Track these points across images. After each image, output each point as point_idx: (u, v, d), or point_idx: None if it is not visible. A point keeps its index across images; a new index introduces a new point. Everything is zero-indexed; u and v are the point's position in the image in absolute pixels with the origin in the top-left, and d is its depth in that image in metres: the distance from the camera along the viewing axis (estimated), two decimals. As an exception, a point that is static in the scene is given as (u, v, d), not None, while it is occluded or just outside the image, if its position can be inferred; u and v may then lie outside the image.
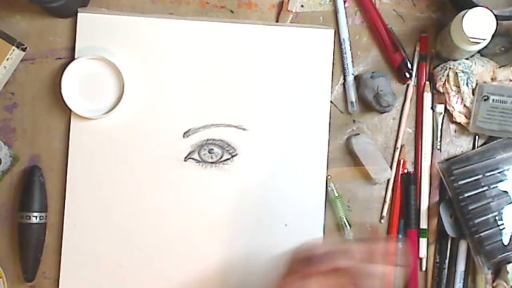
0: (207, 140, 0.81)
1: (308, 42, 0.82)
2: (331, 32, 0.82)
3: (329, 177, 0.81)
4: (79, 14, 0.81)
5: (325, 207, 0.81)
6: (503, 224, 0.78)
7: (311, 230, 0.80)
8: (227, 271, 0.80)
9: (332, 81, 0.82)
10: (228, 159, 0.81)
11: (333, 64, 0.82)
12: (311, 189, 0.81)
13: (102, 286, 0.80)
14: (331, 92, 0.82)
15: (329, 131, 0.82)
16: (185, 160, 0.81)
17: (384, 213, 0.82)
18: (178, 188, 0.80)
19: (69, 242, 0.80)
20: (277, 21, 0.83)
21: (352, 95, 0.82)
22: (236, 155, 0.81)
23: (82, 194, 0.80)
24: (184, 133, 0.81)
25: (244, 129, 0.81)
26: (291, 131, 0.81)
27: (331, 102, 0.82)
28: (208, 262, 0.80)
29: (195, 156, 0.81)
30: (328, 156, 0.81)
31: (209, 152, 0.80)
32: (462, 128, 0.83)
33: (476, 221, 0.78)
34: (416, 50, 0.83)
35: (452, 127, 0.83)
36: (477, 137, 0.83)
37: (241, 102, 0.81)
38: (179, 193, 0.80)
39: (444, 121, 0.83)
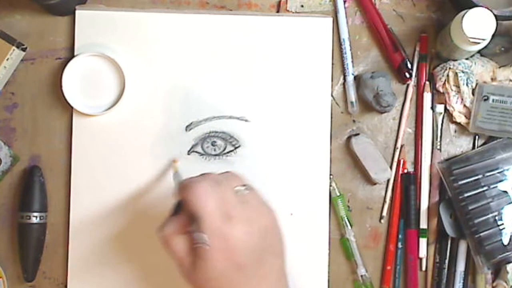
0: (210, 132, 0.81)
1: (307, 31, 0.82)
2: (329, 20, 0.82)
3: (331, 176, 0.81)
4: (77, 12, 0.81)
5: (330, 198, 0.81)
6: (503, 224, 0.78)
7: (317, 218, 0.81)
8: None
9: (332, 81, 0.82)
10: (231, 151, 0.81)
11: (332, 64, 0.82)
12: (315, 179, 0.81)
13: (110, 281, 0.80)
14: (331, 93, 0.82)
15: (330, 127, 0.82)
16: (188, 154, 0.81)
17: (384, 213, 0.82)
18: None
19: (75, 239, 0.80)
20: (277, 21, 0.83)
21: (352, 95, 0.82)
22: (239, 146, 0.81)
23: (86, 191, 0.80)
24: (186, 127, 0.81)
25: (246, 121, 0.81)
26: (294, 120, 0.81)
27: (332, 97, 0.82)
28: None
29: (198, 149, 0.81)
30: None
31: (212, 145, 0.80)
32: (462, 128, 0.83)
33: (476, 221, 0.78)
34: (416, 50, 0.83)
35: (452, 127, 0.83)
36: (477, 137, 0.83)
37: (242, 94, 0.81)
38: None
39: (444, 121, 0.83)
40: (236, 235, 0.63)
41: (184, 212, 0.66)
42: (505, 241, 0.77)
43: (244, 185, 0.67)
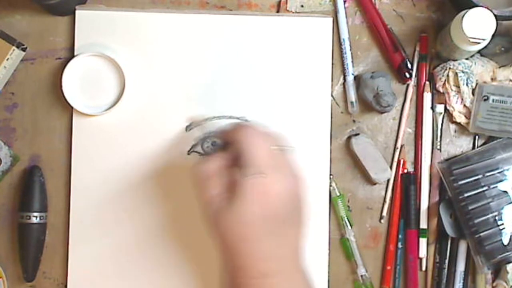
0: (210, 132, 0.81)
1: (307, 31, 0.82)
2: (329, 20, 0.82)
3: (331, 176, 0.81)
4: (77, 12, 0.81)
5: (330, 198, 0.81)
6: (503, 224, 0.78)
7: (317, 218, 0.80)
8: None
9: (332, 81, 0.82)
10: None
11: (332, 64, 0.82)
12: (315, 179, 0.81)
13: (110, 282, 0.80)
14: (331, 93, 0.82)
15: (330, 127, 0.82)
16: (188, 154, 0.81)
17: (384, 213, 0.82)
18: (182, 182, 0.80)
19: (75, 239, 0.80)
20: (277, 21, 0.83)
21: (352, 95, 0.82)
22: None
23: (86, 191, 0.80)
24: (186, 127, 0.81)
25: (246, 121, 0.81)
26: (294, 120, 0.81)
27: (332, 97, 0.82)
28: (215, 254, 0.80)
29: (198, 149, 0.81)
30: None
31: (212, 145, 0.80)
32: (462, 128, 0.83)
33: (476, 221, 0.78)
34: (416, 50, 0.83)
35: (452, 127, 0.83)
36: (477, 137, 0.83)
37: (242, 94, 0.81)
38: (184, 186, 0.80)
39: (444, 121, 0.83)
40: (276, 185, 0.65)
41: (228, 152, 0.67)
42: (505, 241, 0.77)
43: (287, 146, 0.69)
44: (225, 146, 0.69)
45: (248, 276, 0.65)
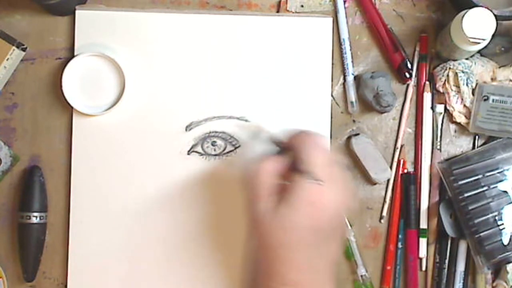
0: (210, 132, 0.81)
1: (307, 31, 0.82)
2: (329, 20, 0.82)
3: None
4: (77, 12, 0.81)
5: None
6: (503, 224, 0.78)
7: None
8: (235, 262, 0.80)
9: (332, 81, 0.82)
10: (231, 151, 0.81)
11: (332, 64, 0.82)
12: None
13: (110, 282, 0.80)
14: (331, 93, 0.82)
15: (330, 127, 0.82)
16: (188, 154, 0.81)
17: (384, 213, 0.82)
18: (182, 181, 0.80)
19: (75, 239, 0.80)
20: (277, 21, 0.83)
21: (352, 95, 0.82)
22: (239, 146, 0.81)
23: (86, 191, 0.80)
24: (187, 127, 0.81)
25: (246, 121, 0.81)
26: (294, 120, 0.81)
27: (332, 97, 0.82)
28: (217, 254, 0.80)
29: (198, 149, 0.81)
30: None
31: (212, 145, 0.80)
32: (462, 128, 0.83)
33: (476, 221, 0.78)
34: (416, 50, 0.83)
35: (452, 127, 0.83)
36: (477, 137, 0.83)
37: (242, 94, 0.81)
38: (184, 186, 0.80)
39: (444, 121, 0.83)
40: (329, 198, 0.64)
41: (285, 157, 0.67)
42: (505, 241, 0.77)
43: (343, 162, 0.70)
44: (282, 150, 0.69)
45: (279, 282, 0.64)
